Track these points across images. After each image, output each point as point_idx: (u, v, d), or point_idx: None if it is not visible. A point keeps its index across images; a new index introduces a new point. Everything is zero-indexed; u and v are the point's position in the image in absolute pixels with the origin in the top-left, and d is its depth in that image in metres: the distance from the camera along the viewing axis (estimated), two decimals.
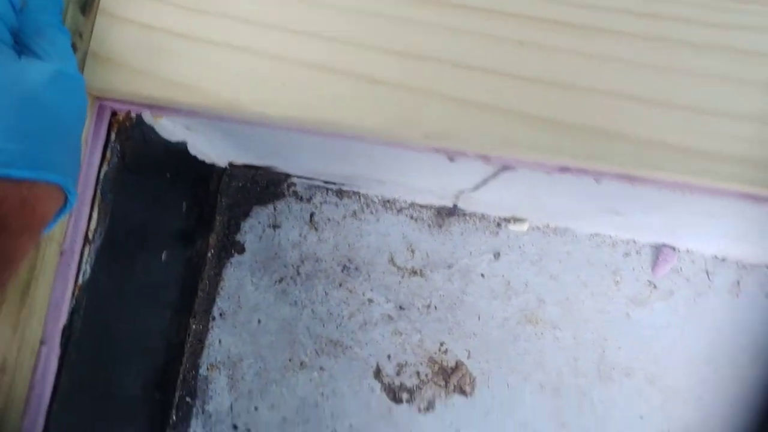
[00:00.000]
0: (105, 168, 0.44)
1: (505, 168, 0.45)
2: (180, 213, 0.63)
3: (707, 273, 0.71)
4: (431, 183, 0.59)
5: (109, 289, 0.50)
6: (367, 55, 0.40)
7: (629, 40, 0.39)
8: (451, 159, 0.44)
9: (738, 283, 0.71)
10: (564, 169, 0.42)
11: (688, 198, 0.45)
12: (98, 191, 0.44)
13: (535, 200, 0.60)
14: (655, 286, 0.71)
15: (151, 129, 0.49)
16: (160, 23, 0.40)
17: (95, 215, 0.44)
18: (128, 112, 0.44)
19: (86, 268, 0.44)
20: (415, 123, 0.39)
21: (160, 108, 0.40)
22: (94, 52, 0.40)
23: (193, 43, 0.40)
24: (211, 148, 0.61)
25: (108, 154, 0.44)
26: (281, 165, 0.66)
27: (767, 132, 0.38)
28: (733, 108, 0.38)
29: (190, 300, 0.70)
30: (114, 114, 0.43)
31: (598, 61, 0.39)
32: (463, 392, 0.70)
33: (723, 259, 0.71)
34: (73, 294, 0.44)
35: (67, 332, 0.44)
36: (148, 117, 0.47)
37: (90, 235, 0.44)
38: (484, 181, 0.53)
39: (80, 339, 0.45)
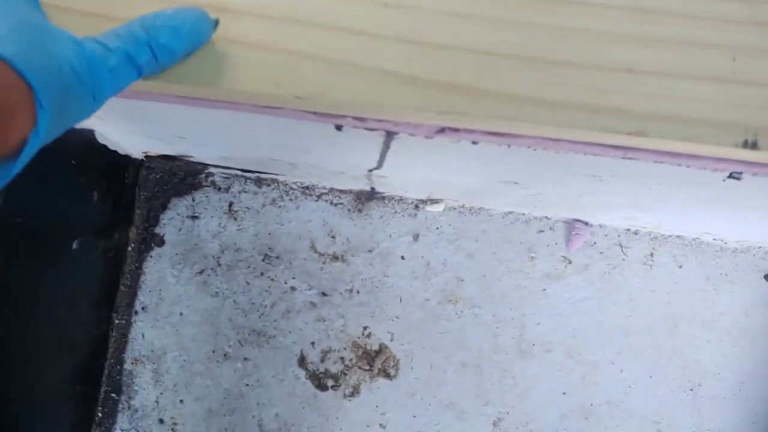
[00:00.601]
0: None
1: (390, 135, 0.46)
2: (91, 202, 0.62)
3: (621, 246, 0.73)
4: (337, 162, 0.60)
5: (15, 286, 0.50)
6: (242, 20, 0.41)
7: None
8: (337, 128, 0.45)
9: (651, 254, 0.73)
10: (441, 131, 0.43)
11: (568, 162, 0.47)
12: None
13: (440, 177, 0.62)
14: (570, 261, 0.72)
15: None
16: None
17: None
18: None
19: None
20: (288, 85, 0.40)
21: None
22: None
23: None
24: (119, 137, 0.61)
25: None
26: (192, 152, 0.66)
27: (624, 80, 0.40)
28: (589, 59, 0.40)
29: (111, 294, 0.70)
30: None
31: (460, 18, 0.40)
32: (387, 375, 0.70)
33: (635, 233, 0.73)
34: None
35: None
36: None
37: None
38: (383, 156, 0.54)
39: None
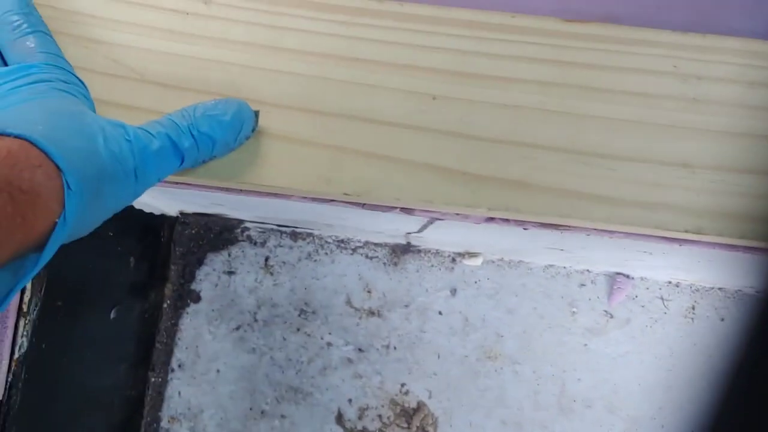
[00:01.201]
0: None
1: (434, 218, 0.45)
2: (128, 268, 0.62)
3: (662, 299, 0.71)
4: (377, 227, 0.59)
5: (54, 354, 0.50)
6: (287, 114, 0.40)
7: (539, 88, 0.40)
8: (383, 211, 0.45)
9: (693, 307, 0.71)
10: (489, 220, 0.42)
11: (620, 242, 0.46)
12: None
13: (483, 239, 0.61)
14: (611, 315, 0.71)
15: None
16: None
17: (29, 286, 0.43)
18: None
19: (23, 341, 0.44)
20: (336, 181, 0.39)
21: None
22: None
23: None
24: (156, 201, 0.61)
25: None
26: (229, 213, 0.66)
27: (680, 176, 0.39)
28: (643, 153, 0.39)
29: (147, 352, 0.69)
30: None
31: (511, 111, 0.39)
32: None
33: (677, 285, 0.71)
34: (9, 369, 0.43)
35: (5, 408, 0.43)
36: None
37: (24, 307, 0.43)
38: (424, 227, 0.53)
39: (20, 413, 0.45)
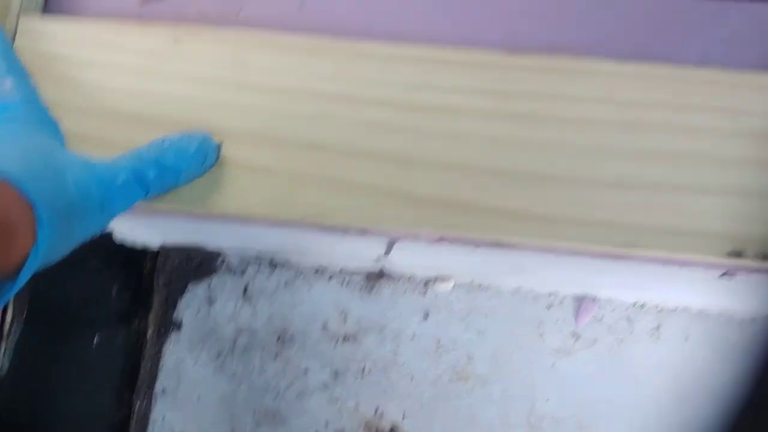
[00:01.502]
0: None
1: (393, 239, 0.48)
2: (110, 298, 0.65)
3: (628, 320, 0.74)
4: (346, 252, 0.62)
5: (34, 378, 0.52)
6: (247, 144, 0.44)
7: (484, 117, 0.43)
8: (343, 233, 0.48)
9: (658, 327, 0.74)
10: (440, 239, 0.45)
11: (568, 260, 0.49)
12: None
13: (448, 263, 0.64)
14: (578, 336, 0.74)
15: None
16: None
17: (10, 309, 0.46)
18: None
19: (4, 362, 0.46)
20: (293, 207, 0.42)
21: None
22: None
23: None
24: (137, 234, 0.64)
25: None
26: (209, 243, 0.69)
27: (614, 194, 0.42)
28: (579, 174, 0.42)
29: (132, 378, 0.72)
30: None
31: (456, 139, 0.43)
32: None
33: (642, 306, 0.74)
34: None
35: None
36: None
37: (6, 329, 0.46)
38: (388, 249, 0.56)
39: None
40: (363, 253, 0.61)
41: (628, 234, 0.42)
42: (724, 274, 0.47)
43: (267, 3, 0.49)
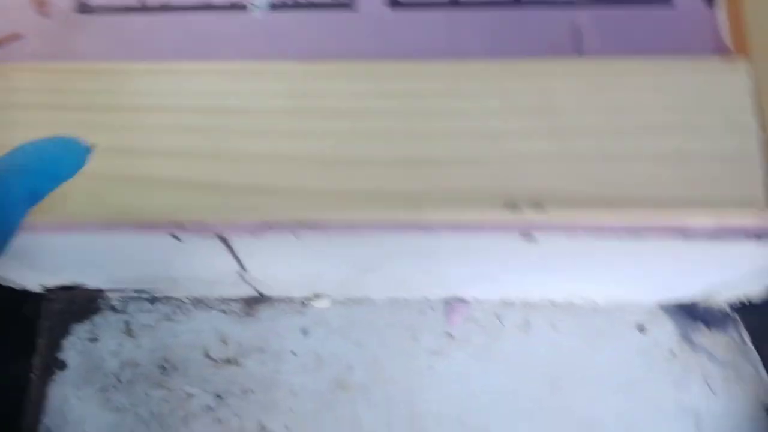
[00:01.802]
0: None
1: (219, 235, 0.52)
2: None
3: (497, 317, 0.78)
4: (203, 270, 0.65)
5: None
6: None
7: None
8: (175, 237, 0.52)
9: (527, 321, 0.78)
10: (264, 226, 0.49)
11: (378, 240, 0.53)
12: None
13: (305, 271, 0.67)
14: (452, 337, 0.77)
15: None
16: None
17: None
18: None
19: None
20: (106, 204, 0.46)
21: None
22: None
23: None
24: (11, 273, 0.67)
25: None
26: (81, 280, 0.71)
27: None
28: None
29: (16, 421, 0.73)
30: None
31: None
32: None
33: (510, 303, 0.78)
34: None
35: None
36: None
37: None
38: (236, 257, 0.59)
39: None
40: (217, 266, 0.64)
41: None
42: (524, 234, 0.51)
43: None
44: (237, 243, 0.55)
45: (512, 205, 0.47)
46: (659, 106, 0.49)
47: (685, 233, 0.47)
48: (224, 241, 0.55)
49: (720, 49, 0.53)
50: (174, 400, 0.75)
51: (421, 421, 0.74)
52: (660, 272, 0.66)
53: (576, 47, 0.54)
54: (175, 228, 0.49)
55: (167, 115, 0.50)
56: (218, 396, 0.75)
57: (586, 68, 0.51)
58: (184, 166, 0.48)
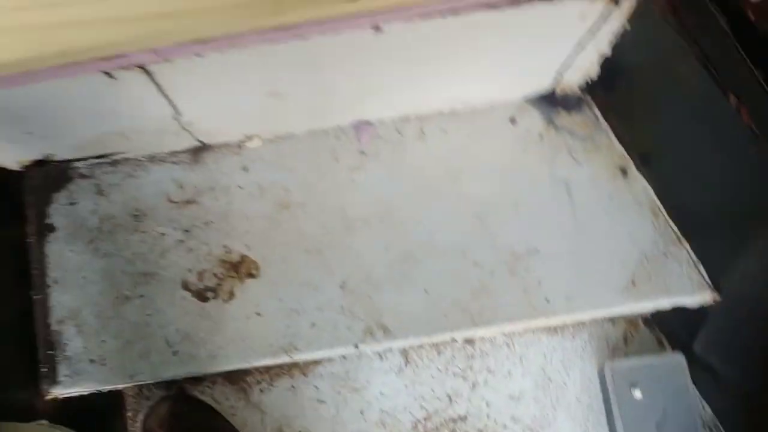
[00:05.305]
0: None
1: (146, 71, 0.67)
2: None
3: (398, 131, 0.95)
4: (145, 117, 0.81)
5: None
6: None
7: None
8: (107, 74, 0.67)
9: (422, 130, 0.95)
10: (172, 50, 0.64)
11: (257, 55, 0.69)
12: None
13: (229, 105, 0.83)
14: (364, 153, 0.94)
15: None
16: None
17: None
18: None
19: None
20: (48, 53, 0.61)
21: None
22: None
23: None
24: None
25: None
26: (49, 149, 0.87)
27: None
28: None
29: (27, 278, 0.90)
30: None
31: None
32: (252, 276, 0.91)
33: (406, 118, 0.95)
34: None
35: None
36: None
37: None
38: (167, 97, 0.75)
39: None
40: (154, 111, 0.79)
41: None
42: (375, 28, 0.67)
43: None
44: (159, 75, 0.70)
45: None
46: None
47: (489, 4, 0.64)
48: (148, 74, 0.70)
49: None
50: (150, 240, 0.92)
51: (352, 223, 0.93)
52: (510, 64, 0.83)
53: None
54: (103, 62, 0.64)
55: None
56: (185, 230, 0.92)
57: None
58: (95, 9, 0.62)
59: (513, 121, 0.95)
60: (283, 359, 0.89)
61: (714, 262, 0.88)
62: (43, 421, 0.82)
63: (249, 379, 1.10)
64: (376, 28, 0.65)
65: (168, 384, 1.10)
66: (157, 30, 0.61)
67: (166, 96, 0.75)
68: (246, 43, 0.64)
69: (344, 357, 1.08)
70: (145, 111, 0.78)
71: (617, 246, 0.92)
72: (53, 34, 0.61)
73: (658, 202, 0.92)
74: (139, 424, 1.12)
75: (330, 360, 1.08)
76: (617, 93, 0.91)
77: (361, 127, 0.94)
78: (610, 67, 0.87)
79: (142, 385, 1.09)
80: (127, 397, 1.10)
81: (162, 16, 0.61)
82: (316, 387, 1.09)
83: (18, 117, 0.74)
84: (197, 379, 1.10)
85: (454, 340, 1.10)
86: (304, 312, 0.90)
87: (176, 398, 1.13)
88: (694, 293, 0.89)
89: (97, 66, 0.64)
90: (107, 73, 0.66)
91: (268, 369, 1.09)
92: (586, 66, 0.87)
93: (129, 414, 1.11)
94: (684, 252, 0.91)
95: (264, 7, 0.60)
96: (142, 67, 0.67)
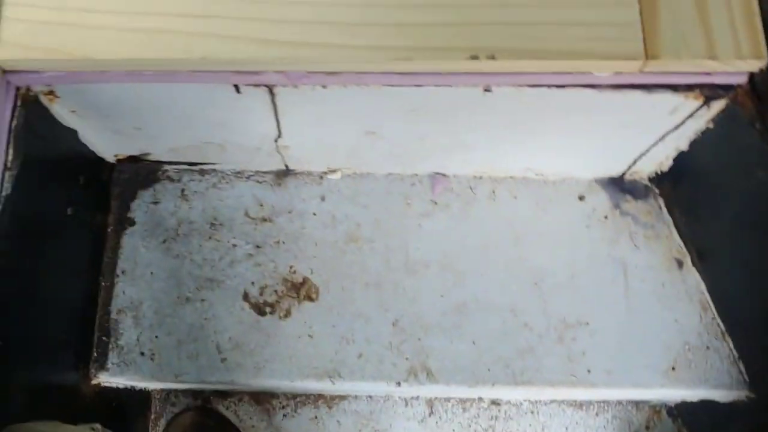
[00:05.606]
0: (15, 122, 0.69)
1: (271, 91, 0.73)
2: (78, 185, 0.88)
3: (470, 188, 1.00)
4: (247, 132, 0.86)
5: (24, 255, 0.75)
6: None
7: None
8: (237, 88, 0.73)
9: (493, 191, 1.00)
10: (302, 76, 0.70)
11: (378, 94, 0.74)
12: (11, 138, 0.69)
13: (327, 140, 0.89)
14: (436, 203, 0.99)
15: (47, 110, 0.76)
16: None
17: (11, 150, 0.69)
18: (27, 90, 0.71)
19: (8, 186, 0.69)
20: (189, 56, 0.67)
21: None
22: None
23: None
24: (96, 137, 0.88)
25: (16, 114, 0.69)
26: (149, 148, 0.92)
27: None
28: None
29: (98, 264, 0.94)
30: (18, 89, 0.70)
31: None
32: (310, 299, 0.95)
33: (480, 177, 1.00)
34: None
35: None
36: (43, 99, 0.74)
37: (8, 164, 0.68)
38: (276, 118, 0.81)
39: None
40: (260, 130, 0.85)
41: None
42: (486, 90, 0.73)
43: None
44: (279, 98, 0.75)
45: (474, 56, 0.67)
46: None
47: (593, 84, 0.69)
48: (272, 95, 0.75)
49: None
50: (222, 249, 0.96)
51: (413, 266, 0.97)
52: (592, 144, 0.88)
53: None
54: (235, 75, 0.70)
55: None
56: (257, 246, 0.97)
57: None
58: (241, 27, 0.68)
59: (581, 198, 1.00)
60: (326, 384, 0.92)
61: (754, 360, 0.91)
62: (97, 425, 0.84)
63: (275, 402, 1.13)
64: (487, 89, 0.71)
65: (195, 394, 1.13)
66: (294, 56, 0.67)
67: (277, 118, 0.80)
68: (369, 81, 0.70)
69: (370, 397, 1.11)
70: (252, 128, 0.84)
71: (663, 331, 0.94)
72: (198, 42, 0.67)
73: (708, 297, 0.95)
74: (160, 429, 1.14)
75: (356, 397, 1.11)
76: (684, 187, 0.96)
77: (436, 178, 0.99)
78: (682, 161, 0.92)
79: (170, 390, 1.12)
80: (154, 400, 1.13)
81: (302, 45, 0.67)
82: (338, 422, 1.11)
83: (135, 110, 0.80)
84: (224, 394, 1.12)
85: (480, 399, 1.12)
86: (353, 342, 0.93)
87: (200, 410, 1.15)
88: (731, 388, 0.91)
89: (230, 78, 0.70)
90: (236, 87, 0.71)
91: (294, 396, 1.12)
92: (660, 158, 0.92)
93: (153, 417, 1.13)
94: (726, 347, 0.93)
95: (397, 53, 0.66)
96: (269, 87, 0.72)
